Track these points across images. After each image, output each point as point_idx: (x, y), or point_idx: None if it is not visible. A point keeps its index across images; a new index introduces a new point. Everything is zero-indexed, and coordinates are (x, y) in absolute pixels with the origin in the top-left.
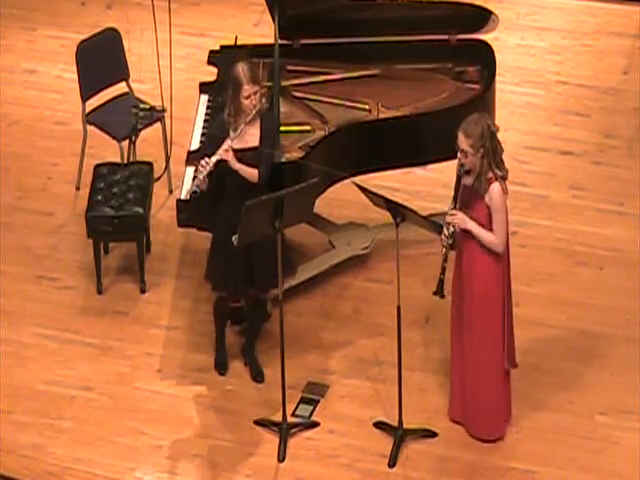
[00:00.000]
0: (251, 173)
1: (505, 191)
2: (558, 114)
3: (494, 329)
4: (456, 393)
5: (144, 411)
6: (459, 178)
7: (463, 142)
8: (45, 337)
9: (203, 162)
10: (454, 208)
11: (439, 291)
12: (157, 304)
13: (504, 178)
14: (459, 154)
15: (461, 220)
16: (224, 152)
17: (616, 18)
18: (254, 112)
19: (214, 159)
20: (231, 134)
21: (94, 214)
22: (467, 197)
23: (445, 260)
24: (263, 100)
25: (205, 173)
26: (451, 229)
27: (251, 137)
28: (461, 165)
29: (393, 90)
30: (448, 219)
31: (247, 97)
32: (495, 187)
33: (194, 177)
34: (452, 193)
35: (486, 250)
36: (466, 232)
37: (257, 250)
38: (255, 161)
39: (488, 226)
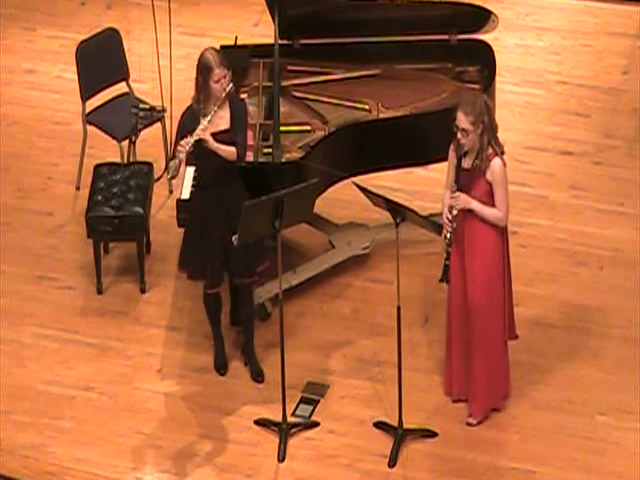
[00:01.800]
0: (230, 151)
1: (505, 164)
2: (558, 114)
3: (497, 303)
4: (457, 372)
5: (144, 411)
6: (459, 160)
7: (463, 121)
8: (45, 337)
9: (182, 142)
10: (456, 191)
11: (445, 277)
12: (157, 304)
13: (502, 153)
14: (459, 134)
15: (464, 201)
16: (201, 131)
17: (616, 18)
18: (223, 96)
19: (192, 140)
20: (201, 120)
21: (94, 214)
22: (466, 179)
23: (450, 245)
24: (231, 84)
25: (184, 153)
26: (454, 212)
27: (221, 120)
28: (460, 146)
29: (393, 90)
30: (451, 202)
31: (217, 81)
32: (496, 162)
33: (171, 159)
34: (453, 177)
35: (487, 226)
36: (469, 212)
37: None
38: (228, 142)
39: (489, 202)
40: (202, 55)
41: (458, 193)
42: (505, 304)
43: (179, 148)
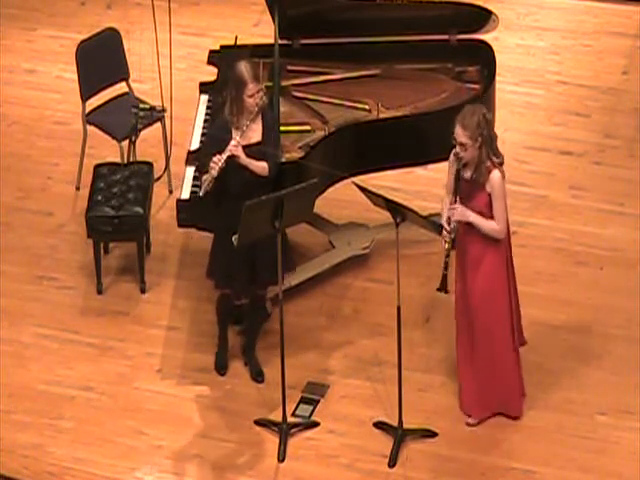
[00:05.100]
0: (261, 167)
1: (504, 176)
2: (558, 114)
3: (502, 314)
4: (468, 386)
5: (144, 411)
6: (458, 172)
7: (461, 135)
8: (45, 337)
9: (215, 159)
10: (454, 202)
11: (443, 287)
12: (157, 304)
13: (501, 164)
14: (458, 148)
15: (461, 214)
16: (234, 147)
17: (616, 18)
18: (257, 109)
19: (225, 156)
20: (233, 132)
21: (94, 214)
22: (466, 189)
23: (447, 255)
24: (264, 98)
25: (217, 169)
26: (452, 224)
27: (253, 133)
28: (459, 159)
29: (393, 90)
30: (449, 213)
31: (251, 96)
32: (495, 174)
33: (202, 175)
34: (451, 188)
35: (488, 238)
36: (467, 224)
37: (259, 247)
38: (259, 155)
39: (488, 213)
40: (236, 67)
41: (456, 205)
42: (512, 313)
43: (212, 165)
